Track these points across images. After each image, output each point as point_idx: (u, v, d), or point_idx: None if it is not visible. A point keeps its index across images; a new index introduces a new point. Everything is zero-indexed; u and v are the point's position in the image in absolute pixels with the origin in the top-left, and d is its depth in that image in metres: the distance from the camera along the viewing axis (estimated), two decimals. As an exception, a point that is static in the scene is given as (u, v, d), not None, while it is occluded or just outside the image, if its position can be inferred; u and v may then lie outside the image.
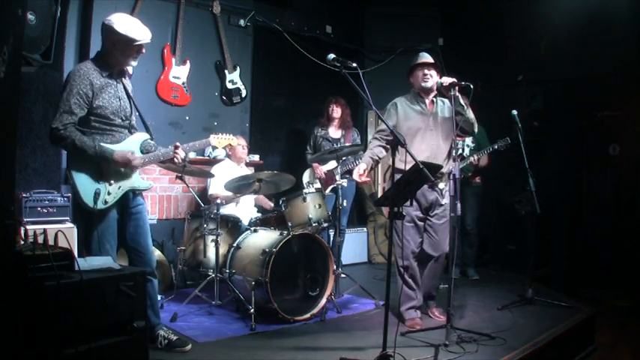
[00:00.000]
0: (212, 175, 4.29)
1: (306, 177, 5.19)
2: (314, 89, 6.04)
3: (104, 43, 2.83)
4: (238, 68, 5.41)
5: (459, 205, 3.23)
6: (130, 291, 2.22)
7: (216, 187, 4.41)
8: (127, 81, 2.99)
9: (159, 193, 4.81)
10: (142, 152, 2.94)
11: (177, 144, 2.94)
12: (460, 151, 5.10)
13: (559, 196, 5.49)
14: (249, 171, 4.97)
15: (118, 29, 2.74)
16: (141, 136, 2.97)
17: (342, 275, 4.30)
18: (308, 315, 3.70)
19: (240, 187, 4.01)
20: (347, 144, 4.92)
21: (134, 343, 2.24)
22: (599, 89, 5.35)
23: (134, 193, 2.95)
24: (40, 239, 2.11)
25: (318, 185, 4.86)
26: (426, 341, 3.16)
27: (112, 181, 2.80)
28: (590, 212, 5.43)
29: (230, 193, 4.24)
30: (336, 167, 4.28)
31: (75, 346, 1.97)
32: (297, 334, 3.42)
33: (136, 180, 2.90)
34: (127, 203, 2.91)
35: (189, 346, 2.96)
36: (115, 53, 2.81)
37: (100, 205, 2.74)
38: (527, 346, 3.14)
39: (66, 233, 2.24)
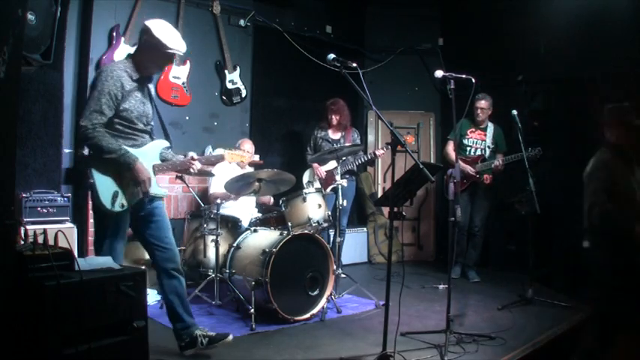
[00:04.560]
0: (212, 175, 4.29)
1: (306, 177, 5.19)
2: (314, 89, 6.04)
3: (138, 43, 2.84)
4: (238, 68, 5.41)
5: (458, 210, 3.23)
6: (130, 291, 2.22)
7: (217, 186, 4.41)
8: (151, 86, 2.99)
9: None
10: (160, 159, 2.94)
11: (194, 155, 2.98)
12: (479, 151, 5.10)
13: (559, 196, 5.49)
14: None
15: (153, 31, 2.74)
16: (161, 143, 2.98)
17: (342, 275, 4.30)
18: (308, 315, 3.70)
19: (240, 186, 4.01)
20: (347, 144, 4.92)
21: (134, 343, 2.24)
22: (599, 89, 5.34)
23: (152, 202, 2.92)
24: (40, 239, 2.11)
25: (318, 185, 4.86)
26: (426, 341, 3.16)
27: (131, 186, 2.78)
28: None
29: (228, 194, 4.24)
30: (336, 167, 4.28)
31: (75, 346, 1.97)
32: (297, 334, 3.42)
33: (154, 187, 2.88)
34: (143, 206, 2.89)
35: (230, 337, 2.93)
36: (146, 56, 2.81)
37: (117, 208, 2.73)
38: (527, 346, 3.14)
39: (66, 233, 2.24)
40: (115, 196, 2.73)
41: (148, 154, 2.86)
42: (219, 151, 3.23)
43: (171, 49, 2.76)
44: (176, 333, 2.94)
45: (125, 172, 2.76)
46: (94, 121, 2.65)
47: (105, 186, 2.72)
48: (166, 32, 2.77)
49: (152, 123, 2.98)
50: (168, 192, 4.84)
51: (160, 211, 2.95)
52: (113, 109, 2.72)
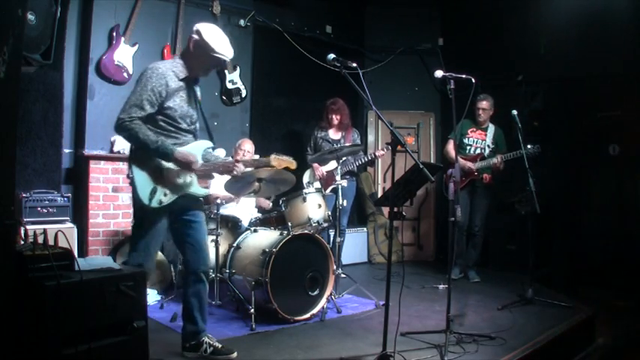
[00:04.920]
0: (212, 176, 4.28)
1: (306, 177, 5.19)
2: (314, 89, 6.04)
3: (187, 44, 2.84)
4: (238, 68, 5.41)
5: (458, 210, 3.23)
6: (130, 291, 2.22)
7: (217, 187, 4.40)
8: (197, 88, 2.97)
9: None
10: (202, 159, 2.92)
11: (238, 158, 2.97)
12: (479, 150, 5.10)
13: (559, 196, 5.49)
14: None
15: (203, 34, 2.74)
16: (204, 143, 2.96)
17: (342, 275, 4.30)
18: (308, 315, 3.70)
19: (240, 187, 4.00)
20: (347, 144, 4.92)
21: (134, 343, 2.24)
22: (599, 89, 5.35)
23: (191, 203, 2.92)
24: (40, 239, 2.11)
25: (318, 185, 4.85)
26: (426, 341, 3.16)
27: (171, 184, 2.78)
28: (590, 212, 5.42)
29: (229, 195, 4.23)
30: (336, 167, 4.28)
31: (75, 346, 1.97)
32: (297, 334, 3.42)
33: (194, 185, 2.87)
34: (184, 211, 2.90)
35: (234, 354, 2.91)
36: (193, 58, 2.81)
37: (155, 204, 2.72)
38: (527, 346, 3.14)
39: (66, 233, 2.24)
40: (153, 191, 2.72)
41: (190, 152, 2.84)
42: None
43: (217, 53, 2.76)
44: (185, 333, 2.94)
45: (166, 170, 2.75)
46: (132, 114, 2.65)
47: (144, 181, 2.71)
48: (215, 37, 2.77)
49: (197, 124, 2.98)
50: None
51: (201, 214, 2.97)
52: (155, 106, 2.71)
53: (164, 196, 2.76)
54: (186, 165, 2.77)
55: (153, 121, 2.74)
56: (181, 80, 2.80)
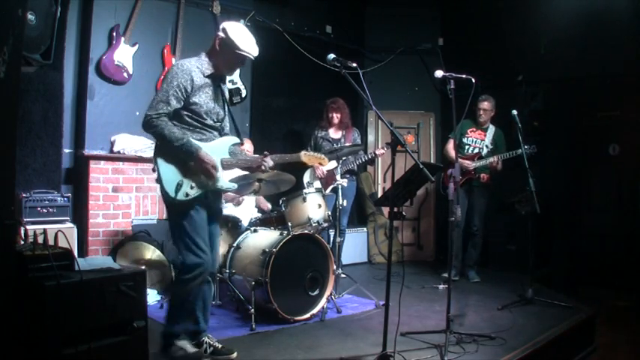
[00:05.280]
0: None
1: (306, 177, 5.19)
2: (314, 89, 6.04)
3: (213, 42, 2.86)
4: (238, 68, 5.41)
5: (458, 210, 3.23)
6: (130, 291, 2.22)
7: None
8: (224, 87, 2.99)
9: (159, 193, 4.75)
10: (229, 155, 2.93)
11: (267, 152, 2.95)
12: (477, 150, 5.10)
13: (559, 196, 5.49)
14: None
15: (228, 32, 2.77)
16: (231, 139, 2.97)
17: (342, 275, 4.30)
18: (308, 315, 3.70)
19: (239, 187, 4.00)
20: (347, 144, 4.92)
21: (134, 343, 2.24)
22: (599, 89, 5.35)
23: (217, 194, 2.93)
24: (40, 239, 2.11)
25: (318, 185, 4.85)
26: (426, 341, 3.16)
27: (197, 177, 2.77)
28: (590, 212, 5.43)
29: (230, 194, 4.23)
30: (337, 167, 4.28)
31: (75, 346, 1.98)
32: (297, 334, 3.42)
33: (222, 180, 2.87)
34: (213, 204, 2.91)
35: (234, 354, 2.91)
36: (218, 55, 2.84)
37: (181, 197, 2.72)
38: (527, 346, 3.14)
39: (66, 233, 2.25)
40: (179, 185, 2.72)
41: (216, 148, 2.85)
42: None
43: (242, 51, 2.78)
44: (185, 332, 2.93)
45: (189, 162, 2.75)
46: (159, 110, 2.68)
47: (169, 175, 2.72)
48: (240, 35, 2.79)
49: (225, 123, 2.98)
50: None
51: (220, 214, 2.96)
52: (181, 101, 2.73)
53: (190, 189, 2.75)
54: (205, 170, 2.75)
55: (179, 116, 2.76)
56: (207, 77, 2.82)
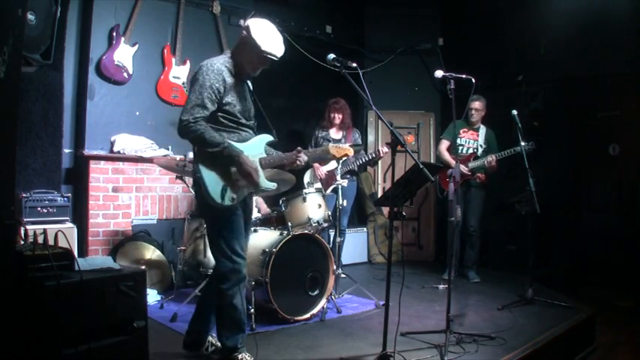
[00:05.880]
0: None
1: (306, 177, 5.19)
2: (314, 89, 6.04)
3: (237, 41, 2.78)
4: (238, 68, 5.40)
5: (458, 210, 3.23)
6: (130, 291, 2.22)
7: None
8: (249, 82, 2.92)
9: (159, 193, 4.81)
10: (265, 153, 2.90)
11: (300, 148, 2.92)
12: (472, 150, 5.10)
13: (559, 196, 5.49)
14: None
15: (251, 31, 2.66)
16: (265, 137, 2.92)
17: (342, 275, 4.30)
18: (308, 315, 3.70)
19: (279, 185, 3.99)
20: (348, 144, 4.92)
21: (134, 343, 2.24)
22: (599, 89, 5.35)
23: (250, 195, 2.90)
24: (40, 239, 2.11)
25: (318, 185, 4.85)
26: (426, 341, 3.16)
27: (240, 181, 2.72)
28: (590, 212, 5.43)
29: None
30: (337, 167, 4.28)
31: (75, 346, 1.97)
32: (297, 334, 3.42)
33: (262, 180, 2.81)
34: (249, 205, 2.90)
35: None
36: (241, 54, 2.75)
37: (227, 202, 2.66)
38: (527, 346, 3.14)
39: (66, 233, 2.24)
40: (224, 189, 2.66)
41: (253, 147, 2.81)
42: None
43: (265, 52, 2.66)
44: (190, 329, 2.92)
45: (231, 166, 2.70)
46: (196, 115, 2.58)
47: (213, 180, 2.65)
48: (264, 34, 2.67)
49: (254, 119, 2.93)
50: (169, 192, 4.86)
51: (251, 214, 2.93)
52: (216, 103, 2.65)
53: (235, 193, 2.70)
54: (247, 175, 2.67)
55: (214, 119, 2.69)
56: (234, 76, 2.74)
